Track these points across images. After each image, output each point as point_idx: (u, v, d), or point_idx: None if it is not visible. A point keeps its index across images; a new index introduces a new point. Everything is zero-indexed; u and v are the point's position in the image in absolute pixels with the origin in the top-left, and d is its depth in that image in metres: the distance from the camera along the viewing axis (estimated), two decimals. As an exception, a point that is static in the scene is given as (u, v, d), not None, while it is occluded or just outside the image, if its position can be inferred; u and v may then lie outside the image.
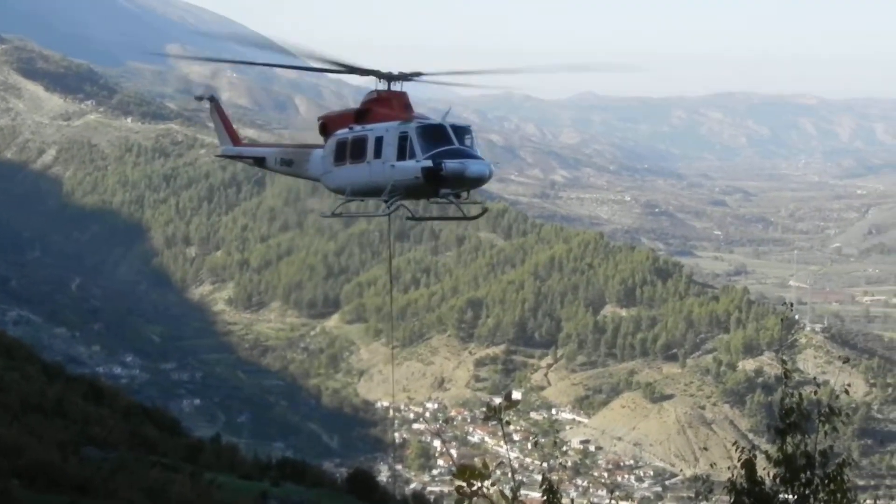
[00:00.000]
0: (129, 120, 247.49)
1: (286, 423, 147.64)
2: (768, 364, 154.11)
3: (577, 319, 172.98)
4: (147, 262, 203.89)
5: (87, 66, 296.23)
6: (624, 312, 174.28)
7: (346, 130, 30.59)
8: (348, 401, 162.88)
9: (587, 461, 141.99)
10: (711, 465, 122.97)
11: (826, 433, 12.39)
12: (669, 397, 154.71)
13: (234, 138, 37.71)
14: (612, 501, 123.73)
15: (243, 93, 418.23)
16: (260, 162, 37.03)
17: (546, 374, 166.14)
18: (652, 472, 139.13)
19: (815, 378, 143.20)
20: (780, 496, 11.65)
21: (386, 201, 29.70)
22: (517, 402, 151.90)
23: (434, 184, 28.47)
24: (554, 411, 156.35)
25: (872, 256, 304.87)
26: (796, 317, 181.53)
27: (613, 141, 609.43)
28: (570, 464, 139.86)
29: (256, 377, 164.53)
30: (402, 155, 28.45)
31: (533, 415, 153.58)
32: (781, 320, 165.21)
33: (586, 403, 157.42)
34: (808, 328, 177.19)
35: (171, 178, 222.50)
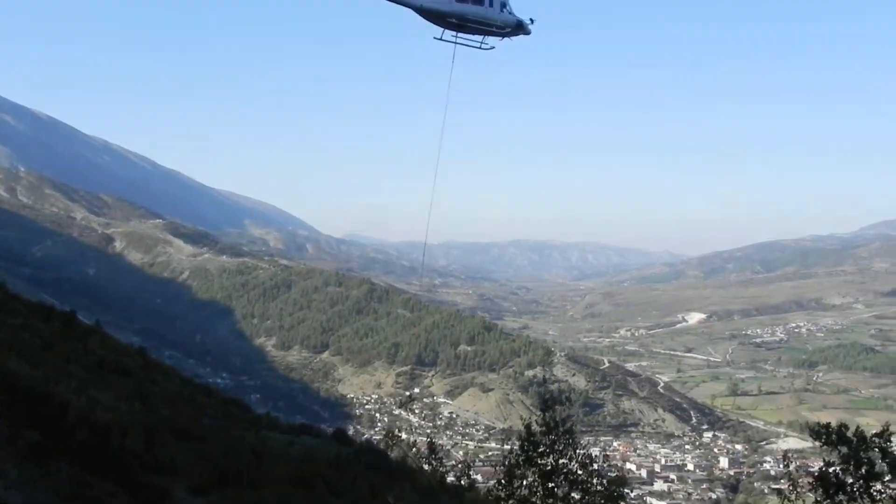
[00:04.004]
0: (224, 257, 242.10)
1: (301, 405, 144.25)
2: (539, 372, 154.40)
3: (447, 352, 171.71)
4: (234, 326, 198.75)
5: (203, 230, 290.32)
6: (469, 348, 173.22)
7: None
8: (332, 394, 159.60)
9: (452, 423, 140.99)
10: (510, 426, 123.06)
11: (566, 407, 13.10)
12: (491, 389, 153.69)
13: None
14: (463, 441, 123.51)
15: (280, 241, 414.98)
16: None
17: (431, 380, 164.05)
18: (483, 427, 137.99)
19: (559, 379, 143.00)
20: (545, 438, 12.01)
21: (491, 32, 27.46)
22: (416, 396, 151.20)
23: (515, 30, 27.61)
24: (434, 398, 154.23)
25: (588, 319, 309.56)
26: (552, 349, 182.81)
27: (464, 264, 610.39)
28: (442, 423, 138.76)
29: (287, 383, 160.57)
30: (502, 9, 27.09)
31: (425, 400, 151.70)
32: (544, 351, 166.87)
33: (451, 394, 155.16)
34: (558, 353, 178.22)
35: (244, 285, 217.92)
